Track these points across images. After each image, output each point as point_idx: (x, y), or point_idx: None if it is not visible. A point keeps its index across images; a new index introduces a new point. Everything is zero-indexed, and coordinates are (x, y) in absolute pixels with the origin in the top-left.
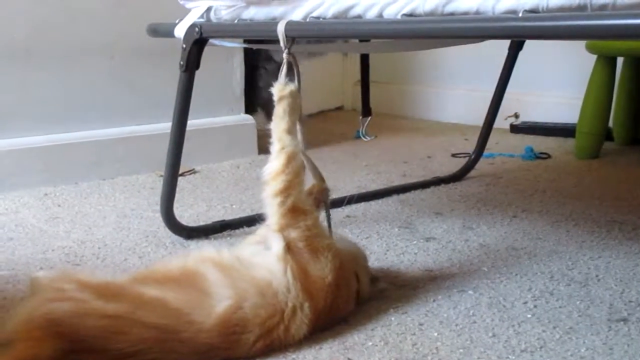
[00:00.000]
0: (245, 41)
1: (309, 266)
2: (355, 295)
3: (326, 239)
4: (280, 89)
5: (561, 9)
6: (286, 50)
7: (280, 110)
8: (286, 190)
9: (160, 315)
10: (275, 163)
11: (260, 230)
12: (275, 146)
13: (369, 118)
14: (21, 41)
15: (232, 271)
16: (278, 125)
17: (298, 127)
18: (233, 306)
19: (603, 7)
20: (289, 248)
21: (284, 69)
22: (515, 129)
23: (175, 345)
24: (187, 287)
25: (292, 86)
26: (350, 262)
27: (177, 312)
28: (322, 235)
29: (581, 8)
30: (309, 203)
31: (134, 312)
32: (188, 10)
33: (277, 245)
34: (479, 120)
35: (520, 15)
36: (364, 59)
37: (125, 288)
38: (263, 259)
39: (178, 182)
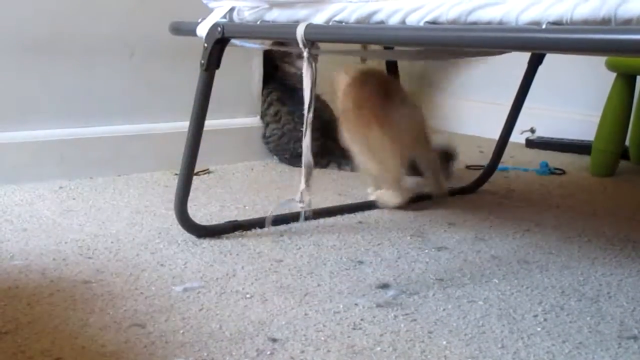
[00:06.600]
0: (267, 43)
1: None
2: None
3: None
4: None
5: (585, 22)
6: (306, 52)
7: None
8: None
9: None
10: None
11: None
12: None
13: None
14: (44, 36)
15: None
16: None
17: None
18: None
19: (628, 21)
20: None
21: (308, 70)
22: (531, 143)
23: None
24: None
25: None
26: None
27: None
28: None
29: (605, 22)
30: None
31: None
32: (211, 10)
33: None
34: (495, 133)
35: (543, 27)
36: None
37: None
38: None
39: (192, 182)
